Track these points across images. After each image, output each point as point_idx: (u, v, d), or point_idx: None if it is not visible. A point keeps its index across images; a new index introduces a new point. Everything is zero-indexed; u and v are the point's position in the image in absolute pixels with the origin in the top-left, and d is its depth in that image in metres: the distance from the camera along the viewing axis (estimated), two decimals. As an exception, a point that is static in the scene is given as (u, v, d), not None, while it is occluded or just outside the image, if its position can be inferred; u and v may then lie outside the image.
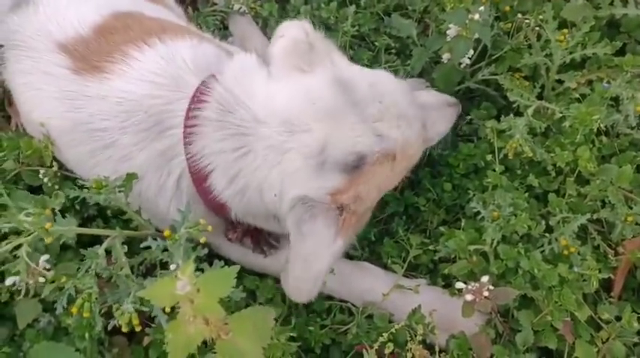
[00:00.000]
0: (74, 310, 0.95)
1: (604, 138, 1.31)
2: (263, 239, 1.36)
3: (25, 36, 1.29)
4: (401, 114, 1.14)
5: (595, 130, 1.27)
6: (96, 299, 0.95)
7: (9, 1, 1.37)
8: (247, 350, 0.80)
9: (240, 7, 1.89)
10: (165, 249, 1.10)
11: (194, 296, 0.73)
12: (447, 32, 1.37)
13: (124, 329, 0.96)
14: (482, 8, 1.30)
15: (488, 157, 1.28)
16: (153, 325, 1.16)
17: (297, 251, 1.10)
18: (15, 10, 1.34)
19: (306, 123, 1.10)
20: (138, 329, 0.97)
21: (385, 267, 1.38)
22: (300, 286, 1.14)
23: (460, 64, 1.42)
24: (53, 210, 0.95)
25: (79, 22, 1.27)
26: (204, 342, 0.80)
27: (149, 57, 1.22)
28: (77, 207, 1.30)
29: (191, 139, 1.14)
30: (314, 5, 1.78)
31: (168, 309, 0.84)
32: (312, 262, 1.11)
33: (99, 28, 1.27)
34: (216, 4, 1.93)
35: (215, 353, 0.81)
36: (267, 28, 1.86)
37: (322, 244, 1.09)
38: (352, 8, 1.74)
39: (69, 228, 0.94)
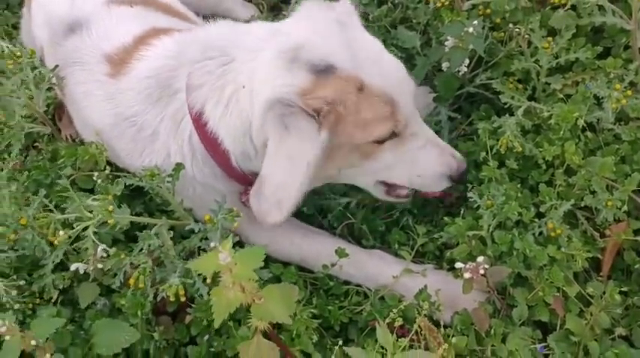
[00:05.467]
0: (132, 281, 1.14)
1: (589, 134, 1.46)
2: None
3: (81, 53, 1.53)
4: (384, 67, 1.23)
5: (580, 126, 1.42)
6: (149, 273, 1.13)
7: (64, 28, 1.61)
8: (277, 313, 0.97)
9: (260, 25, 2.09)
10: (203, 238, 1.29)
11: (233, 267, 0.91)
12: (446, 43, 1.53)
13: (172, 299, 1.13)
14: (475, 22, 1.47)
15: (482, 154, 1.43)
16: (193, 306, 1.34)
17: (277, 152, 1.12)
18: (70, 35, 1.58)
19: (292, 30, 1.23)
20: (183, 299, 1.14)
21: (396, 255, 1.54)
22: (282, 196, 1.14)
23: (458, 71, 1.58)
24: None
25: (124, 35, 1.51)
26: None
27: (165, 41, 1.44)
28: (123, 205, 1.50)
29: (190, 92, 1.28)
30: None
31: (209, 281, 1.02)
32: (298, 158, 1.12)
33: (138, 37, 1.50)
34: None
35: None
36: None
37: (308, 135, 1.12)
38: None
39: (124, 216, 1.13)
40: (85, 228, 1.10)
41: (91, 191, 1.53)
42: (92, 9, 1.60)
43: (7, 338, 1.07)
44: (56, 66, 1.55)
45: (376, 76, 1.20)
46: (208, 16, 2.11)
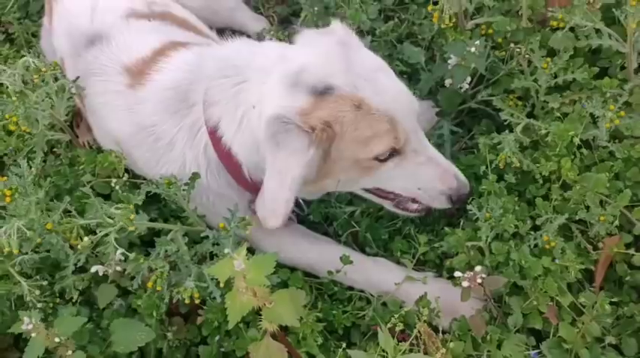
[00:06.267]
0: (150, 284, 1.21)
1: (584, 151, 1.52)
2: None
3: (101, 64, 1.61)
4: (383, 86, 1.28)
5: (576, 144, 1.49)
6: (167, 276, 1.20)
7: (84, 40, 1.69)
8: (286, 317, 1.04)
9: (271, 39, 2.17)
10: (215, 244, 1.36)
11: (246, 273, 0.98)
12: (449, 61, 1.61)
13: (187, 301, 1.21)
14: (478, 42, 1.54)
15: (482, 168, 1.50)
16: (205, 307, 1.41)
17: (272, 166, 1.23)
18: (90, 47, 1.66)
19: (297, 55, 1.32)
20: (197, 301, 1.22)
21: (398, 262, 1.60)
22: (275, 206, 1.26)
23: (461, 88, 1.65)
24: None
25: (143, 48, 1.59)
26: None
27: (183, 53, 1.53)
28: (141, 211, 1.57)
29: (207, 107, 1.38)
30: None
31: (222, 285, 1.09)
32: (286, 172, 1.23)
33: (156, 50, 1.58)
34: (250, 36, 2.22)
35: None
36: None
37: (296, 152, 1.22)
38: (369, 38, 2.00)
39: (143, 223, 1.20)
40: (106, 234, 1.17)
41: (108, 196, 1.61)
42: (112, 22, 1.68)
43: (33, 335, 1.15)
44: (77, 77, 1.62)
45: (375, 95, 1.27)
46: (222, 29, 2.21)
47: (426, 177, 1.40)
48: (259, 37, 2.17)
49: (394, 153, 1.33)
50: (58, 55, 1.86)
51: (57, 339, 1.17)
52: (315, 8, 2.06)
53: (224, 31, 2.21)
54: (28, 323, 1.14)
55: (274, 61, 1.33)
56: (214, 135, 1.37)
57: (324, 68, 1.28)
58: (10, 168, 1.37)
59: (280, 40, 2.15)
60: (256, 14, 2.31)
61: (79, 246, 1.20)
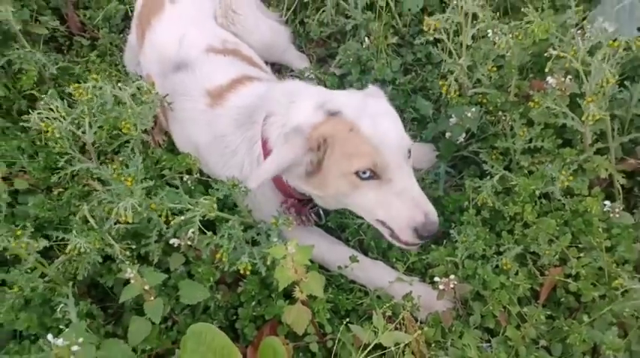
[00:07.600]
0: (218, 256, 1.68)
1: (543, 201, 2.00)
2: (303, 213, 2.02)
3: (187, 87, 2.08)
4: (378, 124, 1.65)
5: (537, 195, 1.97)
6: (229, 251, 1.67)
7: (171, 66, 2.16)
8: (315, 289, 1.51)
9: (310, 75, 2.66)
10: (257, 233, 1.83)
11: (294, 255, 1.45)
12: (450, 119, 2.09)
13: (242, 272, 1.67)
14: (474, 109, 2.02)
15: (465, 203, 1.97)
16: (245, 281, 1.87)
17: (275, 151, 1.69)
18: (177, 71, 2.13)
19: (334, 92, 1.79)
20: (248, 272, 1.68)
21: (392, 267, 2.07)
22: (261, 174, 1.67)
23: (457, 140, 2.13)
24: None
25: (222, 78, 2.07)
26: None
27: (257, 83, 2.00)
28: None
29: (267, 120, 1.81)
30: (363, 82, 2.53)
31: (268, 263, 1.56)
32: (281, 157, 1.65)
33: (233, 80, 2.05)
34: (293, 71, 2.71)
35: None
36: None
37: (294, 148, 1.64)
38: (390, 87, 2.49)
39: (215, 212, 1.67)
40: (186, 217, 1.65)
41: (176, 186, 2.08)
42: (196, 54, 2.16)
43: (132, 281, 1.61)
44: (166, 94, 2.10)
45: (368, 126, 1.64)
46: (274, 64, 2.71)
47: (397, 207, 1.66)
48: (301, 73, 2.66)
49: (373, 176, 1.63)
50: (143, 71, 2.34)
51: (146, 287, 1.63)
52: (350, 59, 2.56)
53: (274, 65, 2.73)
54: (130, 272, 1.60)
55: (317, 92, 1.82)
56: (266, 145, 1.81)
57: (344, 102, 1.72)
58: (112, 160, 1.84)
59: (317, 77, 2.66)
60: (301, 53, 2.80)
61: (171, 223, 1.67)
